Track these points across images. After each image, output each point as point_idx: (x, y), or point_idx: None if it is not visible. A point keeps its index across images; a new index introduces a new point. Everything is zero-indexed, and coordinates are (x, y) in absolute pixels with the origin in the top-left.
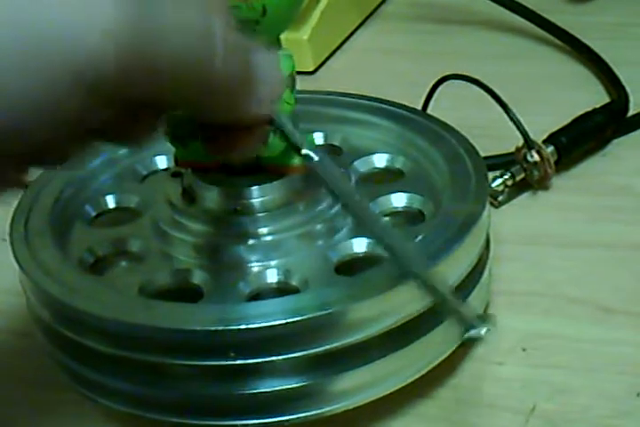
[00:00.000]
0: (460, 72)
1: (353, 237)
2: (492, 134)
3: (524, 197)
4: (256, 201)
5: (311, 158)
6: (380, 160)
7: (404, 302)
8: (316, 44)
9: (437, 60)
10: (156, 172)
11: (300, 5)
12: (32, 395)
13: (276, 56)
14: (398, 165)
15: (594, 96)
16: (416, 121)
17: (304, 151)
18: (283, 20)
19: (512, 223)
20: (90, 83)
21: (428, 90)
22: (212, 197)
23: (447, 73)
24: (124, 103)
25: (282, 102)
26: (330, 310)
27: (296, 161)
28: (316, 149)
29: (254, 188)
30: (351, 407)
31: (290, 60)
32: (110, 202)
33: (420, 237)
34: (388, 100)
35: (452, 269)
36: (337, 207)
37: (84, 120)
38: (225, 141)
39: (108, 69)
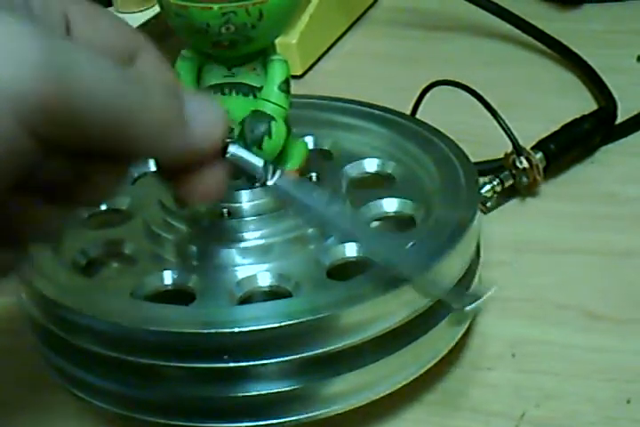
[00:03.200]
0: (447, 78)
1: (344, 242)
2: (478, 140)
3: (513, 204)
4: (247, 205)
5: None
6: (370, 165)
7: (396, 307)
8: (304, 48)
9: (425, 66)
10: (147, 174)
11: (295, 10)
12: (22, 394)
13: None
14: (389, 170)
15: (581, 103)
16: (406, 126)
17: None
18: (278, 24)
19: (500, 229)
20: (27, 123)
21: (415, 95)
22: None
23: (435, 78)
24: (69, 153)
25: (276, 106)
26: (322, 315)
27: (289, 166)
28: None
29: (246, 191)
30: (343, 411)
31: (285, 65)
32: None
33: (411, 244)
34: (379, 106)
35: (443, 276)
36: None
37: (32, 170)
38: (184, 185)
39: (39, 110)
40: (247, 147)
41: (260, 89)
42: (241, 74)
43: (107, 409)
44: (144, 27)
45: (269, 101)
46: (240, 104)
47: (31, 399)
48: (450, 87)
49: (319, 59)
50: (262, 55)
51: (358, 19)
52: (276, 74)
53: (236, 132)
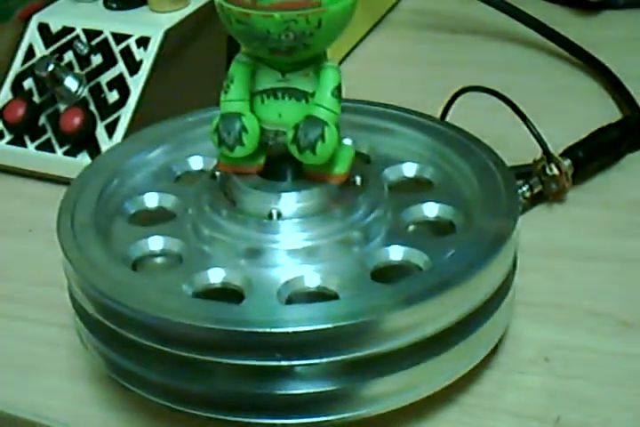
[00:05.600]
0: (468, 82)
1: (388, 245)
2: (503, 146)
3: (540, 210)
4: (294, 206)
5: None
6: (409, 169)
7: (439, 313)
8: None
9: (446, 69)
10: (190, 172)
11: (351, 18)
12: (68, 386)
13: None
14: (427, 175)
15: (605, 110)
16: (443, 132)
17: None
18: (335, 32)
19: (529, 235)
20: None
21: (437, 98)
22: (251, 200)
23: (456, 82)
24: None
25: (329, 111)
26: (366, 319)
27: (337, 169)
28: None
29: (293, 193)
30: (385, 411)
31: (337, 72)
32: (148, 201)
33: (454, 251)
34: (415, 111)
35: (484, 283)
36: (372, 216)
37: None
38: None
39: None
40: (300, 151)
41: (312, 94)
42: (294, 79)
43: (154, 401)
44: (178, 26)
45: (322, 107)
46: (293, 108)
47: (77, 391)
48: (471, 92)
49: (340, 61)
50: (315, 61)
51: (379, 21)
52: (329, 80)
53: (290, 136)
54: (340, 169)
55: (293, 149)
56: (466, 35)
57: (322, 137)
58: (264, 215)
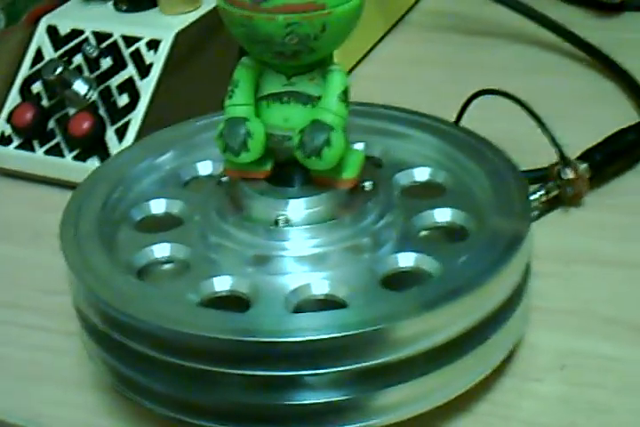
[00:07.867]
0: (486, 84)
1: (398, 252)
2: (518, 149)
3: (556, 214)
4: (302, 213)
5: None
6: (421, 174)
7: (450, 320)
8: (342, 53)
9: (465, 72)
10: (197, 178)
11: (357, 22)
12: (72, 395)
13: None
14: (440, 180)
15: (622, 113)
16: (457, 136)
17: None
18: (340, 35)
19: (545, 240)
20: None
21: (455, 100)
22: (258, 206)
23: (474, 85)
24: None
25: (336, 116)
26: (376, 327)
27: (345, 175)
28: None
29: (301, 199)
30: (397, 421)
31: (344, 76)
32: (154, 207)
33: (466, 256)
34: (429, 115)
35: (497, 289)
36: (382, 221)
37: None
38: None
39: None
40: (306, 156)
41: (318, 98)
42: (300, 83)
43: (159, 412)
44: (189, 28)
45: (329, 111)
46: (299, 113)
47: (83, 400)
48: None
49: (357, 63)
50: (321, 65)
51: (398, 23)
52: (336, 84)
53: (296, 141)
54: (349, 174)
55: (299, 155)
56: (485, 37)
57: (328, 142)
58: (271, 222)
